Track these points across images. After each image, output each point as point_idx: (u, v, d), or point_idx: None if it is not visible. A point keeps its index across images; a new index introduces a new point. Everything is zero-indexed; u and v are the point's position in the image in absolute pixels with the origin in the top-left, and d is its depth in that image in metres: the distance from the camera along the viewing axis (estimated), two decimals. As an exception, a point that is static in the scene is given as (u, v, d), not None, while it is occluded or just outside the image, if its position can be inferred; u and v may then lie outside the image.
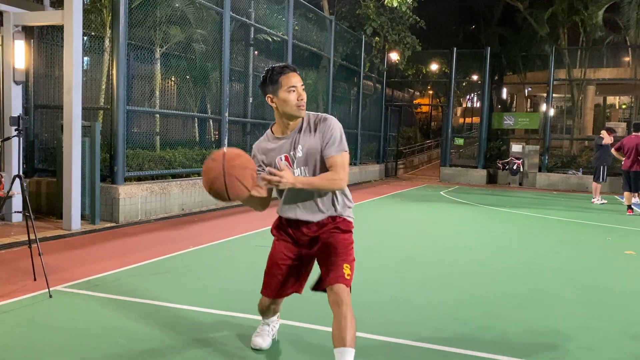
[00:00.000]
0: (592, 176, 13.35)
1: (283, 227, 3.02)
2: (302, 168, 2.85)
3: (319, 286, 2.95)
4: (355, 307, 3.90)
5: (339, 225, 2.92)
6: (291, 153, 2.84)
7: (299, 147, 2.83)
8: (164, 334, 3.48)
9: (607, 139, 12.38)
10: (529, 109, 34.83)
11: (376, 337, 3.53)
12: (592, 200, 12.90)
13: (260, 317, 3.32)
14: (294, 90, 2.74)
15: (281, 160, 2.83)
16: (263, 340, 3.26)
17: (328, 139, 2.80)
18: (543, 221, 9.66)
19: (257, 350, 3.25)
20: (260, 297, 3.17)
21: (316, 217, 2.89)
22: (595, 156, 12.88)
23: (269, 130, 2.96)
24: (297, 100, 2.75)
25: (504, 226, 9.03)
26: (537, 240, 7.75)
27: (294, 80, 2.75)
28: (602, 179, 12.74)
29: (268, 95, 2.80)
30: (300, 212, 2.90)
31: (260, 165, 2.87)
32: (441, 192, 14.68)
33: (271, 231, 3.12)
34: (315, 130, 2.83)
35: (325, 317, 3.81)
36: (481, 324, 3.88)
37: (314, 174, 2.84)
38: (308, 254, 2.98)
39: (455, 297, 4.56)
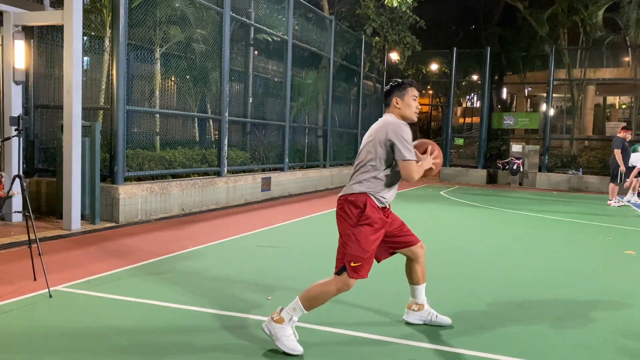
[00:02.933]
0: (610, 177, 12.99)
1: (378, 210, 3.38)
2: None
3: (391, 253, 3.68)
4: (355, 307, 3.91)
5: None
6: None
7: None
8: (164, 334, 3.48)
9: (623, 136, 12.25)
10: (529, 109, 34.84)
11: (376, 337, 3.53)
12: (609, 202, 12.48)
13: (253, 316, 3.30)
14: (415, 99, 3.48)
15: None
16: None
17: None
18: (543, 221, 9.66)
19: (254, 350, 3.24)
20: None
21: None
22: (613, 156, 12.38)
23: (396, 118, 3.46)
24: (416, 107, 3.49)
25: (504, 226, 9.03)
26: (537, 240, 7.75)
27: (417, 93, 3.51)
28: (620, 180, 12.37)
29: (395, 97, 3.46)
30: (392, 196, 3.51)
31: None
32: (441, 192, 14.68)
33: (366, 212, 3.29)
34: None
35: (325, 317, 3.82)
36: (481, 324, 3.88)
37: None
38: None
39: (456, 297, 4.57)
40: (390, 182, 3.40)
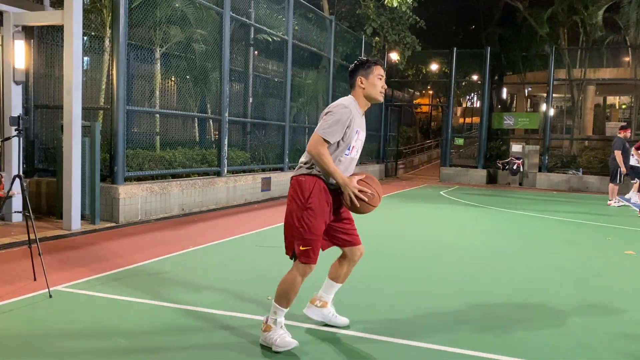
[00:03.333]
0: (609, 177, 12.85)
1: (326, 192, 3.31)
2: (359, 152, 3.46)
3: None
4: (355, 307, 3.91)
5: None
6: (362, 133, 3.42)
7: (364, 134, 3.46)
8: (164, 334, 3.48)
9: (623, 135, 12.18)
10: (529, 109, 34.84)
11: (376, 337, 3.53)
12: (609, 202, 12.44)
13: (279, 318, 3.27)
14: (381, 79, 3.37)
15: (356, 133, 3.33)
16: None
17: None
18: (543, 221, 9.66)
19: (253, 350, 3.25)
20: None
21: None
22: (613, 156, 12.28)
23: (353, 101, 3.38)
24: (382, 87, 3.38)
25: (504, 226, 9.03)
26: (537, 240, 7.75)
27: (383, 72, 3.40)
28: (619, 180, 12.25)
29: (359, 77, 3.35)
30: None
31: (350, 122, 3.26)
32: (441, 192, 14.68)
33: (312, 195, 3.23)
34: (364, 122, 3.48)
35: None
36: (481, 324, 3.88)
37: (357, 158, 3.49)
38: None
39: (455, 297, 4.56)
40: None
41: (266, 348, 3.26)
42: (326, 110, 3.29)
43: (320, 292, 3.71)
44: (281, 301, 3.25)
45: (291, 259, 3.30)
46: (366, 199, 3.21)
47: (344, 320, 3.72)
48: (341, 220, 3.48)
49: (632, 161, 12.20)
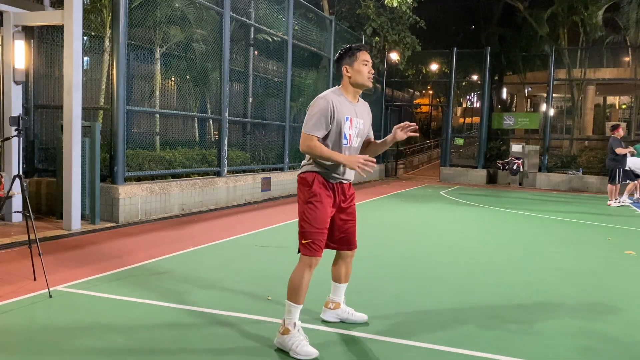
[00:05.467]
0: (608, 178, 12.83)
1: (327, 187, 3.35)
2: (359, 139, 3.44)
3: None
4: (355, 307, 3.91)
5: (353, 192, 3.58)
6: (355, 120, 3.37)
7: (361, 121, 3.41)
8: (164, 334, 3.48)
9: (619, 134, 12.17)
10: (529, 109, 34.83)
11: (376, 337, 3.53)
12: (608, 202, 12.42)
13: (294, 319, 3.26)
14: (366, 64, 3.33)
15: (347, 120, 3.31)
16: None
17: (371, 122, 3.56)
18: (543, 221, 9.66)
19: (257, 349, 3.24)
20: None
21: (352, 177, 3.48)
22: (610, 157, 12.24)
23: (337, 90, 3.39)
24: (369, 73, 3.34)
25: (504, 226, 9.03)
26: (537, 240, 7.75)
27: (368, 57, 3.36)
28: (618, 180, 12.18)
29: (344, 65, 3.35)
30: (349, 173, 3.42)
31: (332, 111, 3.24)
32: (441, 192, 14.68)
33: (313, 189, 3.29)
34: (366, 112, 3.51)
35: (322, 318, 3.81)
36: (481, 324, 3.88)
37: (360, 146, 3.48)
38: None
39: (455, 297, 4.56)
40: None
41: (268, 344, 3.26)
42: (309, 106, 3.32)
43: (330, 296, 3.78)
44: (293, 297, 3.24)
45: (298, 253, 3.32)
46: (374, 164, 3.20)
47: (361, 316, 3.79)
48: (346, 216, 3.50)
49: (632, 164, 12.22)
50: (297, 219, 3.36)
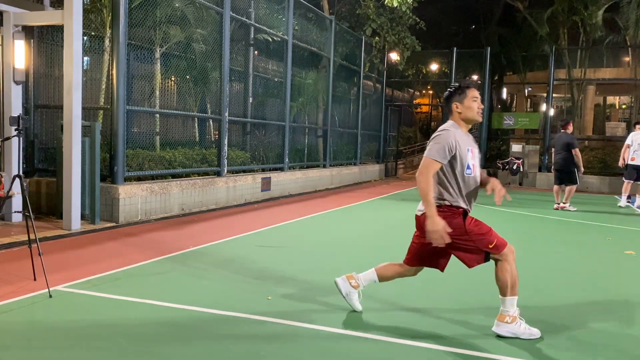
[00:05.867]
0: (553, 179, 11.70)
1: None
2: (478, 169, 3.65)
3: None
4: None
5: None
6: (475, 150, 3.63)
7: (476, 149, 3.64)
8: (164, 334, 3.48)
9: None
10: (529, 109, 34.81)
11: (376, 337, 3.53)
12: (555, 206, 11.34)
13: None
14: (476, 100, 3.55)
15: (468, 151, 3.54)
16: None
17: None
18: (543, 221, 9.66)
19: (256, 349, 3.25)
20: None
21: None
22: (564, 156, 10.97)
23: (454, 123, 3.61)
24: (478, 108, 3.56)
25: (503, 226, 9.02)
26: (537, 240, 7.75)
27: (477, 93, 3.58)
28: (577, 180, 11.13)
29: (455, 102, 3.57)
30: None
31: (451, 148, 3.49)
32: (441, 192, 14.65)
33: (456, 222, 3.56)
34: (472, 141, 3.69)
35: (324, 319, 3.82)
36: (481, 324, 3.88)
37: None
38: None
39: (455, 297, 4.56)
40: (459, 187, 3.56)
41: (267, 344, 3.26)
42: (431, 138, 3.57)
43: (359, 275, 3.96)
44: (511, 292, 3.53)
45: (491, 259, 3.59)
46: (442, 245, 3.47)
47: (359, 306, 3.95)
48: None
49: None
50: (461, 249, 3.58)
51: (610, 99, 36.89)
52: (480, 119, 3.60)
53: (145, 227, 7.41)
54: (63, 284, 4.44)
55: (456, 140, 3.48)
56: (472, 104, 3.53)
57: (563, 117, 24.71)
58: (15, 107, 7.23)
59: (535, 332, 3.58)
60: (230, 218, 8.64)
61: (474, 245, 3.53)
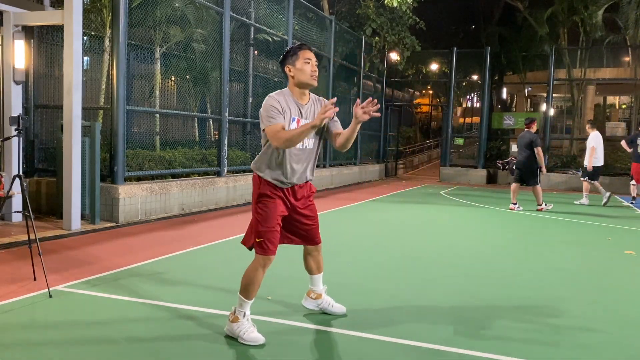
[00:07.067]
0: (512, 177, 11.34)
1: (273, 187, 3.41)
2: (313, 140, 3.44)
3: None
4: (356, 307, 3.91)
5: (314, 191, 3.65)
6: (303, 121, 3.33)
7: (305, 120, 3.35)
8: (164, 334, 3.48)
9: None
10: (529, 109, 34.83)
11: (376, 337, 3.53)
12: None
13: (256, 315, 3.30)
14: (308, 62, 3.29)
15: (293, 120, 3.30)
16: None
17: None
18: (543, 221, 9.66)
19: (256, 347, 3.25)
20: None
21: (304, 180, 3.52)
22: (526, 154, 10.71)
23: (286, 91, 3.37)
24: (311, 71, 3.30)
25: (503, 226, 9.03)
26: (537, 240, 7.75)
27: (310, 54, 3.32)
28: (539, 181, 10.91)
29: (287, 66, 3.32)
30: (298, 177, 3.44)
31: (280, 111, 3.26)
32: (441, 192, 14.68)
33: (261, 190, 3.39)
34: (319, 110, 3.37)
35: (322, 317, 3.82)
36: (481, 324, 3.88)
37: (317, 144, 3.47)
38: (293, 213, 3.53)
39: (455, 297, 4.56)
40: (279, 160, 3.33)
41: (267, 344, 3.26)
42: (261, 108, 3.33)
43: (310, 287, 3.88)
44: (244, 292, 3.37)
45: (249, 249, 3.46)
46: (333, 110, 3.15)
47: (340, 308, 3.87)
48: (302, 218, 3.57)
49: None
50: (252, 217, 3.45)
51: (610, 99, 36.90)
52: (314, 83, 3.30)
53: (145, 227, 7.41)
54: (63, 284, 4.44)
55: (282, 107, 3.25)
56: (305, 67, 3.27)
57: (561, 117, 24.77)
58: (15, 107, 7.23)
59: (254, 339, 3.30)
60: (230, 218, 8.64)
61: (252, 221, 3.42)
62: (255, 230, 3.36)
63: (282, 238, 3.54)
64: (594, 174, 12.54)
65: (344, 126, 3.43)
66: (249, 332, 3.31)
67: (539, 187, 10.93)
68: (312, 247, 3.72)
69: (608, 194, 12.66)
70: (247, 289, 3.36)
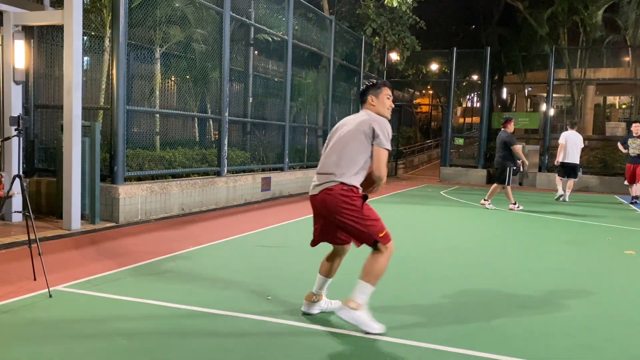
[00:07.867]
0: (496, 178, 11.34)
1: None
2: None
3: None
4: (355, 307, 3.90)
5: None
6: None
7: None
8: (164, 334, 3.48)
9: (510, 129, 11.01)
10: (529, 109, 34.83)
11: (376, 337, 3.53)
12: (485, 204, 11.25)
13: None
14: (389, 99, 3.83)
15: None
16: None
17: None
18: (543, 221, 9.66)
19: (257, 347, 3.25)
20: None
21: None
22: (502, 154, 10.82)
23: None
24: (390, 106, 3.83)
25: (504, 226, 9.03)
26: (537, 240, 7.75)
27: (390, 92, 3.84)
28: (509, 181, 10.92)
29: (370, 95, 3.79)
30: None
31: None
32: (441, 192, 14.68)
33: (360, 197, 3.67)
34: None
35: (323, 318, 3.82)
36: (481, 324, 3.88)
37: None
38: None
39: (455, 297, 4.57)
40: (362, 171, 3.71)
41: (267, 345, 3.26)
42: (372, 124, 3.59)
43: (314, 289, 3.90)
44: (375, 281, 3.60)
45: (373, 247, 3.62)
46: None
47: (337, 303, 3.89)
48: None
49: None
50: (353, 227, 3.58)
51: (610, 99, 36.91)
52: (388, 116, 3.79)
53: (145, 227, 7.41)
54: (63, 284, 4.44)
55: None
56: (386, 101, 3.81)
57: (570, 118, 24.73)
58: (15, 107, 7.23)
59: (377, 327, 3.55)
60: (230, 218, 8.64)
61: (368, 223, 3.62)
62: (374, 228, 3.59)
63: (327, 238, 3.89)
64: (564, 170, 13.11)
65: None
66: (373, 320, 3.57)
67: (499, 187, 11.10)
68: (348, 248, 3.95)
69: (561, 194, 13.13)
70: (379, 277, 3.60)
